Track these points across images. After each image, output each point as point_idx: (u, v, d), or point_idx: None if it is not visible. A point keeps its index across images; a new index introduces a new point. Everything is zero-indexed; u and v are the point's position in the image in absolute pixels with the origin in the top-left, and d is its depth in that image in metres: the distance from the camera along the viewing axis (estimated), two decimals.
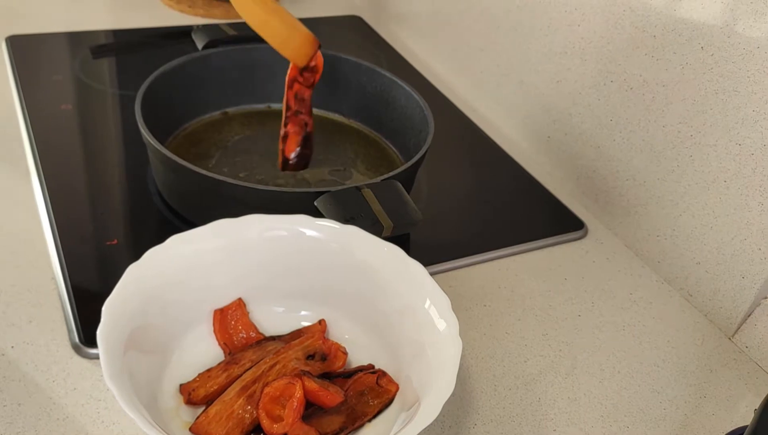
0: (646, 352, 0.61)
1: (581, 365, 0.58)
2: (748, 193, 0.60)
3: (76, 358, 0.52)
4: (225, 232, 0.52)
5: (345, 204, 0.57)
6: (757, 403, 0.57)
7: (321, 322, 0.55)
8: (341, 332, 0.54)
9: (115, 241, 0.62)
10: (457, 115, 0.90)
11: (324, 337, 0.53)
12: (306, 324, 0.55)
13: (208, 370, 0.50)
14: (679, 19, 0.64)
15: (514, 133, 0.86)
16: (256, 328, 0.54)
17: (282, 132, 0.73)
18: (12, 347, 0.52)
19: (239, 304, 0.54)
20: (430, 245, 0.68)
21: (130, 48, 0.95)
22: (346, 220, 0.55)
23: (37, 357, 0.52)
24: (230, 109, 0.79)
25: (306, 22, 1.09)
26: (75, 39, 0.93)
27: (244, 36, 0.82)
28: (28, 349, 0.52)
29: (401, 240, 0.57)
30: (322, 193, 0.58)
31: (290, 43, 0.68)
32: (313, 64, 0.70)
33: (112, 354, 0.43)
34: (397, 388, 0.50)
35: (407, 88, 0.75)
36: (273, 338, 0.53)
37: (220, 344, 0.53)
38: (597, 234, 0.73)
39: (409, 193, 0.62)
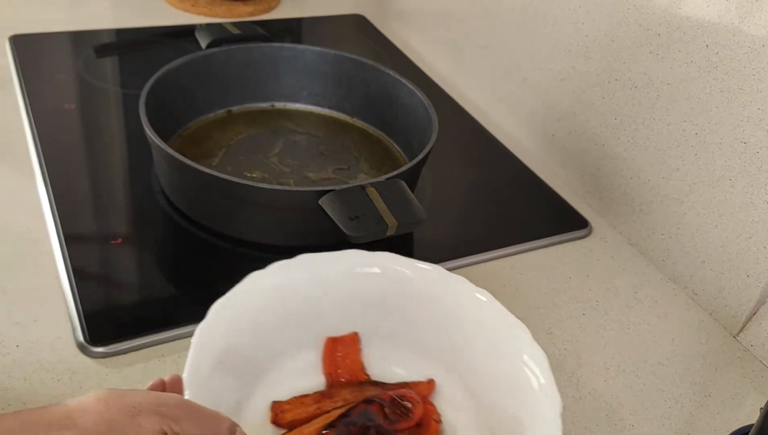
0: (650, 351, 0.60)
1: (586, 364, 0.58)
2: (754, 192, 0.60)
3: (81, 356, 0.52)
4: (349, 262, 0.52)
5: (349, 203, 0.57)
6: (763, 401, 0.57)
7: (430, 382, 0.51)
8: (443, 397, 0.51)
9: (119, 240, 0.62)
10: (460, 114, 0.89)
11: (427, 400, 0.50)
12: (415, 379, 0.52)
13: (303, 396, 0.49)
14: (683, 17, 0.64)
15: (518, 131, 0.86)
16: (363, 367, 0.52)
17: None
18: (17, 346, 0.52)
19: (353, 339, 0.52)
20: (434, 244, 0.68)
21: (133, 47, 0.95)
22: (350, 218, 0.55)
23: (42, 356, 0.52)
24: (234, 108, 0.79)
25: (310, 21, 1.10)
26: (78, 38, 0.93)
27: (248, 35, 0.82)
28: (33, 348, 0.52)
29: (405, 239, 0.57)
30: (326, 191, 0.58)
31: None
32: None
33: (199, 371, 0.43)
34: None
35: (411, 86, 0.74)
36: (375, 383, 0.51)
37: (324, 373, 0.51)
38: (601, 232, 0.73)
39: (413, 192, 0.62)
